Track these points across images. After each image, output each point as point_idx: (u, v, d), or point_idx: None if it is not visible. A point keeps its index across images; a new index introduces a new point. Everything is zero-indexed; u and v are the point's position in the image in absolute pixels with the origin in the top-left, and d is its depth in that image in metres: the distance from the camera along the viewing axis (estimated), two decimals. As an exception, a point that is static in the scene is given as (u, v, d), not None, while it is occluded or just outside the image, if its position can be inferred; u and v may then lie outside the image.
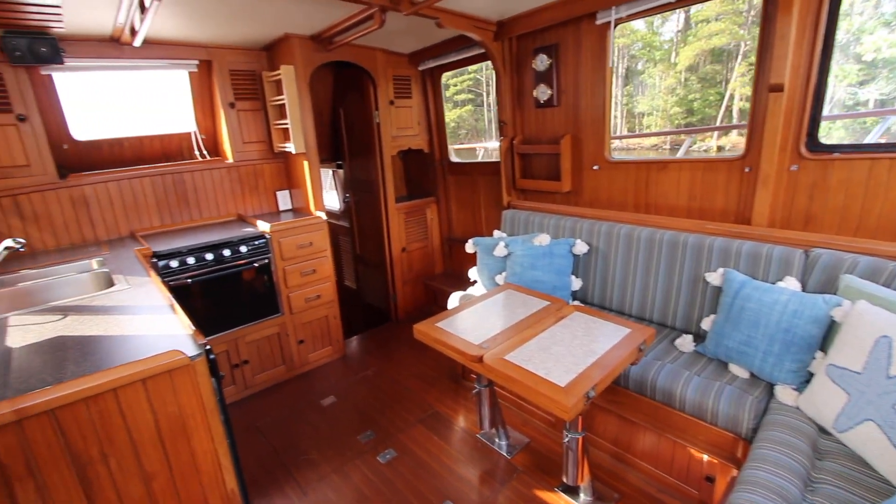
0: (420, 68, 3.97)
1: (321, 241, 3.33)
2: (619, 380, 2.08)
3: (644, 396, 2.02)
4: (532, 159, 3.37)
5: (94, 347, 1.41)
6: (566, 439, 1.83)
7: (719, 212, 2.50)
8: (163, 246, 2.75)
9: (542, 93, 3.12)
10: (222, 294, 2.93)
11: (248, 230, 3.08)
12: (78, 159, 3.04)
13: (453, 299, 3.06)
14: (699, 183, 2.55)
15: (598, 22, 2.68)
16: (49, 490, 1.16)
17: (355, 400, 3.05)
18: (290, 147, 3.29)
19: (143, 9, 2.24)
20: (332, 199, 5.13)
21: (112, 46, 2.83)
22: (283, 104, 3.24)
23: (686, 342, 2.17)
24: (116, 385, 1.21)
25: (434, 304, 4.39)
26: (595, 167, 2.99)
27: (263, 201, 3.70)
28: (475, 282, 3.29)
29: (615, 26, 2.64)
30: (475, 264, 3.23)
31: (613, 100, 2.95)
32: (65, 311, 1.74)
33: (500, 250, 2.89)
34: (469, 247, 3.13)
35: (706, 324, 2.17)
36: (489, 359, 1.71)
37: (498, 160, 3.58)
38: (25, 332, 1.56)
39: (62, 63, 2.58)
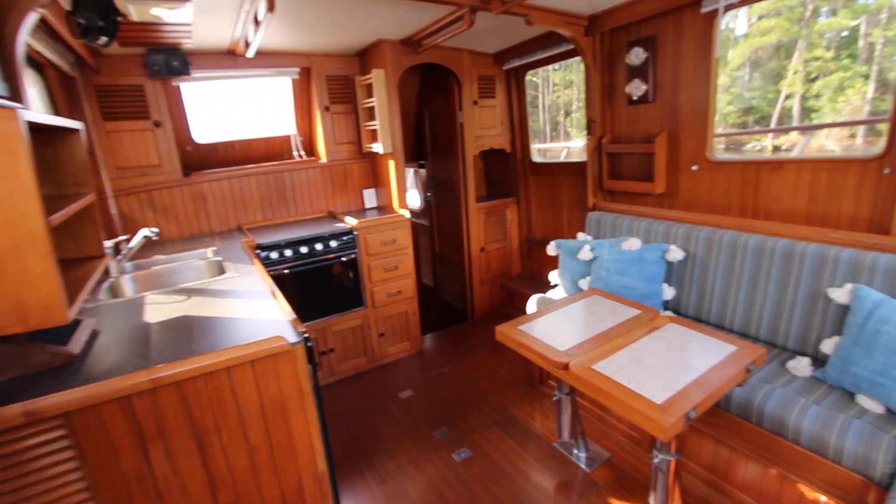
0: (504, 68, 3.94)
1: (404, 238, 3.44)
2: (720, 401, 1.90)
3: (748, 422, 1.83)
4: (621, 159, 3.19)
5: (211, 327, 1.58)
6: (656, 460, 1.70)
7: (847, 219, 2.18)
8: (264, 238, 3.01)
9: (636, 88, 2.94)
10: (313, 285, 3.14)
11: (338, 226, 3.27)
12: (198, 160, 3.43)
13: (532, 302, 2.99)
14: (822, 185, 2.25)
15: (704, 10, 2.46)
16: (174, 452, 1.32)
17: (431, 396, 3.11)
18: (378, 147, 3.43)
19: (256, 23, 2.46)
20: (413, 198, 5.28)
21: (228, 58, 3.15)
22: (373, 106, 3.39)
23: (802, 365, 1.92)
24: (229, 364, 1.34)
25: (510, 306, 4.34)
26: (694, 167, 2.75)
27: (351, 199, 3.90)
28: (556, 285, 3.20)
29: (724, 12, 2.41)
30: (555, 267, 3.13)
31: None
32: (188, 293, 1.97)
33: (585, 254, 2.77)
34: (551, 249, 3.05)
35: (827, 346, 1.91)
36: (576, 367, 1.64)
37: (582, 160, 3.44)
38: (158, 309, 1.79)
39: (189, 74, 2.93)
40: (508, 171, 4.32)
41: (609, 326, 2.00)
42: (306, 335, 1.50)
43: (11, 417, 1.10)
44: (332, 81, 3.56)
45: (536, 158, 4.16)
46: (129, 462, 1.26)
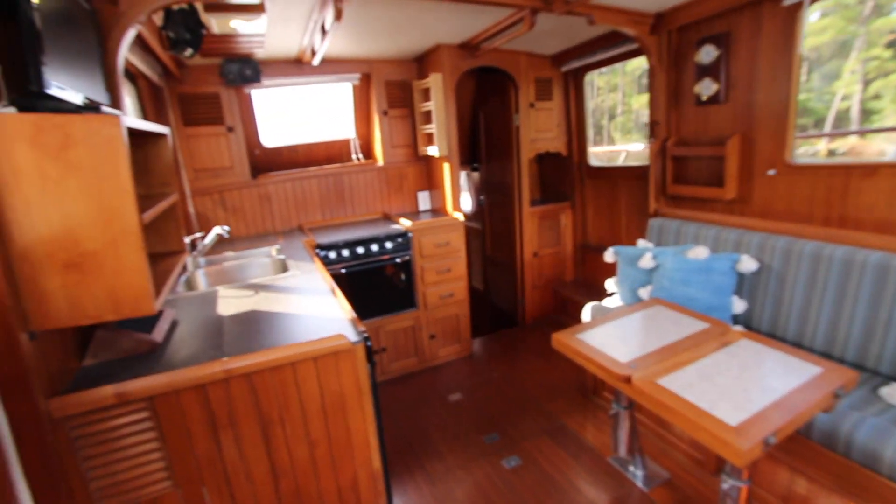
0: (563, 69, 3.85)
1: (457, 241, 3.45)
2: (801, 427, 1.74)
3: (834, 452, 1.66)
4: (687, 163, 3.02)
5: (277, 322, 1.65)
6: (725, 486, 1.59)
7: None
8: (323, 238, 3.12)
9: (706, 88, 2.77)
10: (368, 285, 3.22)
11: (393, 227, 3.33)
12: (265, 162, 3.62)
13: (587, 311, 2.90)
14: (927, 193, 2.01)
15: (787, 2, 2.28)
16: (242, 441, 1.39)
17: (480, 400, 3.09)
18: (434, 150, 3.47)
19: (323, 31, 2.57)
20: (466, 201, 5.28)
21: (295, 66, 3.31)
22: (430, 110, 3.43)
23: (899, 393, 1.72)
24: (294, 360, 1.40)
25: (563, 313, 4.23)
26: (771, 171, 2.55)
27: (406, 201, 3.96)
28: (612, 294, 3.08)
29: (811, 4, 2.22)
30: (612, 274, 3.01)
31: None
32: (256, 288, 2.08)
33: (647, 262, 2.65)
34: (609, 256, 2.94)
35: (932, 373, 1.70)
36: (639, 381, 1.57)
37: (643, 164, 3.29)
38: (229, 303, 1.90)
39: (260, 82, 3.10)
40: (564, 174, 4.22)
41: (674, 339, 1.90)
42: (366, 335, 1.53)
43: (104, 398, 1.20)
44: (390, 86, 3.64)
45: (594, 162, 4.04)
46: (202, 446, 1.34)
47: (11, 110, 1.04)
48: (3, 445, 1.08)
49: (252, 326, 1.63)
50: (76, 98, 1.26)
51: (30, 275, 1.08)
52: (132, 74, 2.53)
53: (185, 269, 2.49)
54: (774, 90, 2.46)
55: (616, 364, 1.71)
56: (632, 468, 2.29)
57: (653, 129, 3.11)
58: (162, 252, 1.81)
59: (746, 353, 1.73)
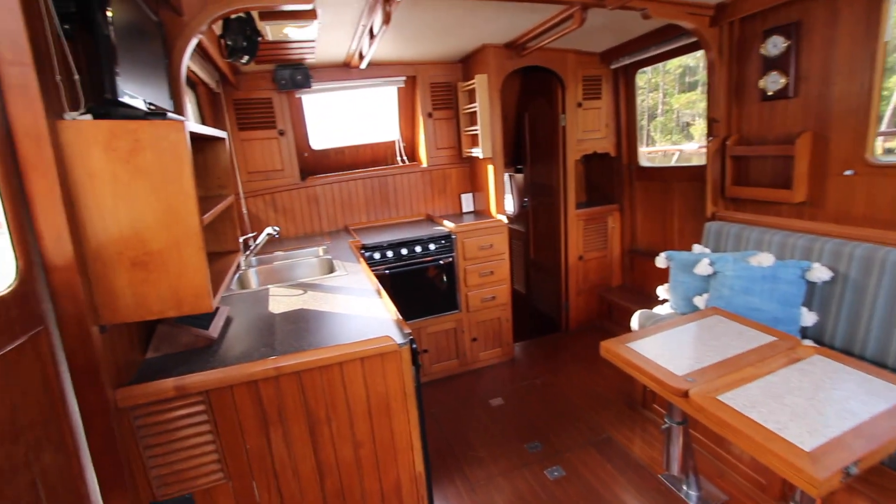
0: (612, 67, 3.72)
1: (501, 243, 3.40)
2: (885, 458, 1.57)
3: (924, 485, 1.49)
4: (749, 163, 2.83)
5: (325, 321, 1.68)
6: (795, 514, 1.46)
7: None
8: (368, 239, 3.17)
9: (773, 82, 2.58)
10: (411, 286, 3.23)
11: (437, 229, 3.33)
12: (313, 164, 3.73)
13: (636, 318, 2.77)
14: None
15: (871, -13, 2.08)
16: (290, 438, 1.42)
17: (522, 406, 3.02)
18: (478, 152, 3.44)
19: (371, 36, 2.60)
20: (508, 203, 5.22)
21: (344, 70, 3.39)
22: (474, 112, 3.40)
23: None
24: (342, 360, 1.41)
25: (608, 319, 4.08)
26: (848, 172, 2.34)
27: (449, 203, 3.96)
28: (664, 301, 2.93)
29: (899, -12, 2.01)
30: (663, 281, 2.86)
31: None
32: (305, 287, 2.13)
33: (703, 268, 2.50)
34: (660, 261, 2.80)
35: None
36: (698, 396, 1.47)
37: (697, 164, 3.12)
38: (280, 301, 1.96)
39: (310, 87, 3.19)
40: (612, 176, 4.08)
41: (736, 353, 1.77)
42: (411, 337, 1.53)
43: (165, 390, 1.26)
44: (435, 88, 3.65)
45: (644, 163, 3.87)
46: (253, 440, 1.38)
47: (88, 117, 1.11)
48: (76, 432, 1.15)
49: (301, 325, 1.67)
50: (143, 105, 1.33)
51: (102, 272, 1.15)
52: (192, 82, 2.66)
53: (238, 267, 2.60)
54: (853, 83, 2.25)
55: (672, 377, 1.61)
56: (685, 488, 2.16)
57: (711, 127, 2.94)
58: (218, 251, 1.88)
59: (820, 372, 1.58)
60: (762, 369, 1.62)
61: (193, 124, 1.31)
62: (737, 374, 1.60)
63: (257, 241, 2.67)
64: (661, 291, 2.88)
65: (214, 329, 1.60)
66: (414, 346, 1.52)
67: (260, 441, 1.39)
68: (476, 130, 3.42)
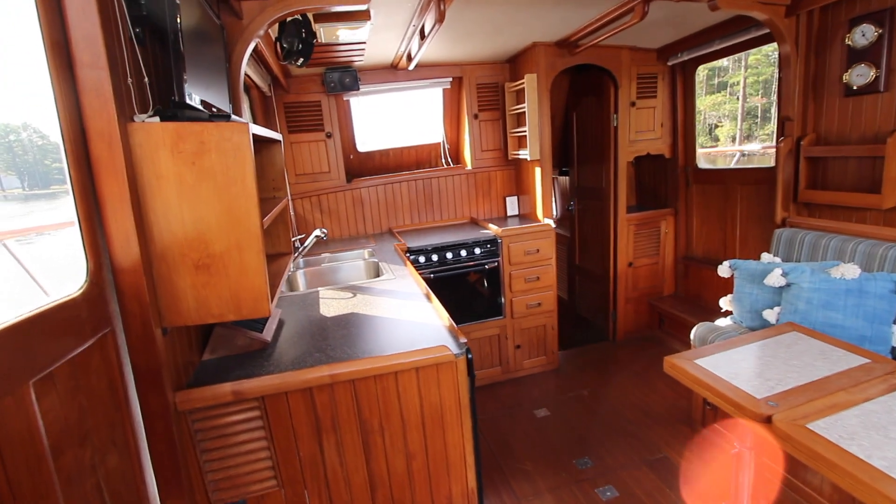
0: (670, 63, 3.53)
1: (547, 248, 3.29)
2: None
3: None
4: (828, 164, 2.59)
5: (377, 327, 1.64)
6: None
7: None
8: (412, 242, 3.13)
9: (859, 76, 2.35)
10: (455, 291, 3.17)
11: (482, 233, 3.25)
12: (358, 167, 3.74)
13: (697, 332, 2.59)
14: None
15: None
16: (344, 445, 1.38)
17: (570, 419, 2.90)
18: (525, 154, 3.34)
19: (422, 36, 2.57)
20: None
21: (391, 72, 3.38)
22: (522, 113, 3.31)
23: None
24: (397, 369, 1.36)
25: (659, 329, 3.88)
26: (948, 176, 2.09)
27: (493, 206, 3.87)
28: (727, 313, 2.73)
29: None
30: (720, 290, 2.68)
31: None
32: (354, 290, 2.11)
33: (775, 279, 2.30)
34: (724, 270, 2.60)
35: None
36: (784, 423, 1.32)
37: (763, 166, 2.90)
38: (330, 305, 1.94)
39: (359, 89, 3.20)
40: (666, 178, 3.87)
41: (822, 375, 1.59)
42: (467, 346, 1.46)
43: (223, 394, 1.25)
44: (481, 89, 3.58)
45: (703, 164, 3.65)
46: (306, 448, 1.35)
47: (155, 120, 1.11)
48: (138, 434, 1.16)
49: (353, 330, 1.63)
50: (204, 108, 1.33)
51: (166, 274, 1.15)
52: (247, 85, 2.71)
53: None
54: (959, 75, 2.01)
55: (750, 400, 1.46)
56: (755, 517, 1.98)
57: (783, 126, 2.72)
58: (272, 254, 1.89)
59: (931, 401, 1.40)
60: (857, 395, 1.44)
61: (256, 126, 1.30)
62: (827, 400, 1.43)
63: (306, 244, 2.69)
64: (725, 303, 2.68)
65: (268, 332, 1.59)
66: (470, 356, 1.45)
67: (313, 449, 1.36)
68: (523, 132, 3.32)
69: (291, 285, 2.55)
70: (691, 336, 2.61)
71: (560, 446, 2.64)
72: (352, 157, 3.69)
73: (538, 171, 3.36)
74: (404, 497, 1.47)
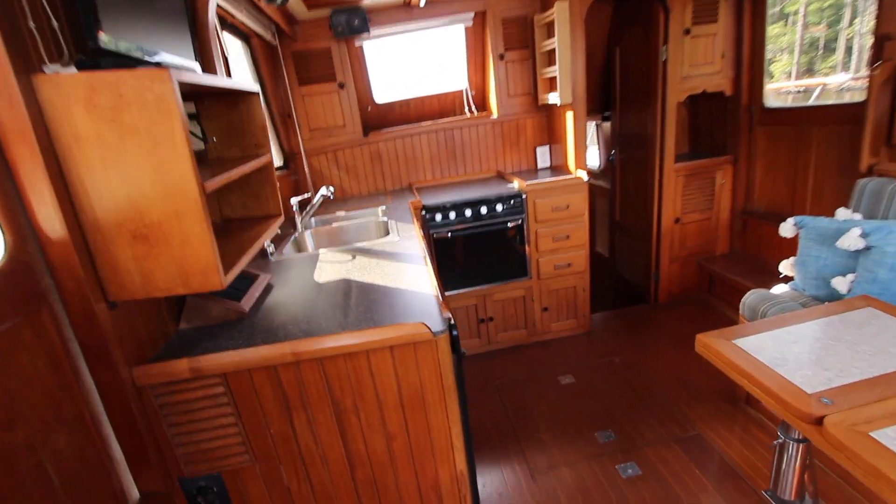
0: (737, -22, 2.93)
1: (579, 204, 2.98)
2: None
3: None
4: (937, 96, 2.06)
5: (365, 296, 1.50)
6: None
7: None
8: (431, 199, 2.93)
9: None
10: (476, 250, 2.98)
11: (506, 188, 2.99)
12: (377, 119, 3.52)
13: (748, 301, 2.25)
14: None
15: None
16: (316, 423, 1.29)
17: (596, 387, 2.71)
18: (555, 98, 2.97)
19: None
20: (593, 156, 4.64)
21: (404, 10, 3.05)
22: (552, 50, 2.90)
23: None
24: (368, 347, 1.23)
25: (707, 292, 3.50)
26: None
27: (522, 158, 3.56)
28: (787, 279, 2.35)
29: None
30: (784, 250, 2.29)
31: None
32: (355, 252, 1.99)
33: (852, 240, 1.90)
34: (787, 229, 2.21)
35: None
36: (839, 427, 1.06)
37: (850, 102, 2.37)
38: (326, 269, 1.84)
39: (369, 32, 2.92)
40: (725, 121, 3.34)
41: (898, 364, 1.28)
42: (452, 322, 1.29)
43: (180, 371, 1.18)
44: (507, 25, 3.18)
45: (772, 103, 3.09)
46: (276, 426, 1.28)
47: (72, 70, 0.97)
48: (95, 410, 1.11)
49: (337, 299, 1.51)
50: (150, 57, 1.18)
51: (102, 245, 1.05)
52: (246, 34, 2.54)
53: (294, 229, 2.54)
54: None
55: (798, 395, 1.19)
56: (798, 511, 1.74)
57: (880, 47, 2.17)
58: (260, 216, 1.78)
59: None
60: (943, 395, 1.14)
61: (194, 74, 1.13)
62: (899, 399, 1.14)
63: (312, 202, 2.57)
64: (785, 267, 2.31)
65: (248, 300, 1.51)
66: (454, 332, 1.29)
67: (284, 426, 1.28)
68: (554, 72, 2.93)
69: (299, 246, 2.47)
70: (741, 305, 2.29)
71: (582, 417, 2.48)
72: (369, 108, 3.47)
73: (570, 116, 2.99)
74: (386, 476, 1.38)
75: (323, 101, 3.19)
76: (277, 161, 3.17)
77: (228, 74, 2.28)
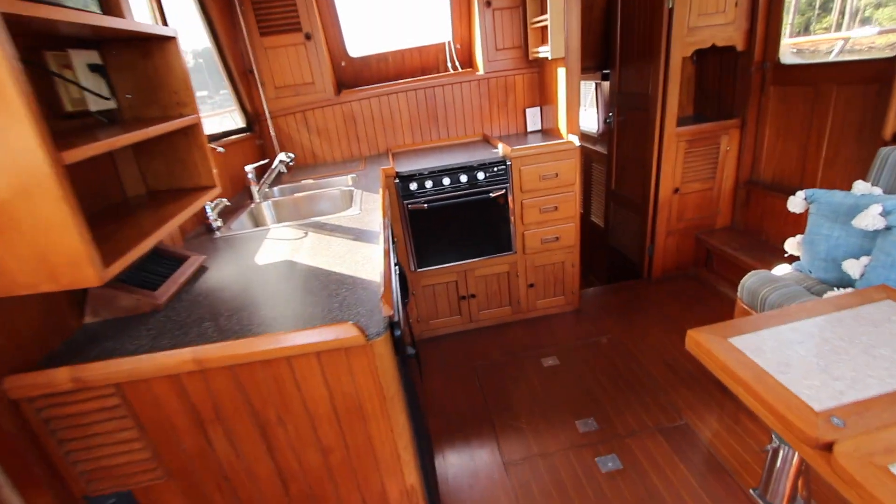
0: (759, -90, 2.54)
1: (569, 172, 2.71)
2: None
3: None
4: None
5: (302, 284, 1.29)
6: None
7: None
8: (407, 166, 2.67)
9: None
10: (457, 223, 2.74)
11: (490, 153, 2.72)
12: (353, 76, 3.20)
13: (747, 284, 2.04)
14: None
15: None
16: (235, 436, 1.12)
17: (581, 370, 2.55)
18: (547, 51, 2.65)
19: None
20: (591, 119, 4.32)
21: (377, -53, 2.68)
22: (545, -6, 2.56)
23: None
24: (289, 354, 1.03)
25: (705, 268, 3.30)
26: None
27: (511, 120, 3.26)
28: (791, 258, 2.14)
29: None
30: (791, 225, 2.07)
31: None
32: (308, 228, 1.77)
33: (871, 219, 1.67)
34: (796, 204, 1.98)
35: None
36: (850, 459, 0.87)
37: (878, 57, 2.07)
38: (270, 248, 1.62)
39: (334, -28, 2.57)
40: (735, 79, 3.02)
41: (922, 372, 1.08)
42: (394, 321, 1.09)
43: (60, 382, 0.98)
44: (496, -35, 2.81)
45: (788, 59, 2.77)
46: (189, 440, 1.10)
47: None
48: (-47, 429, 0.92)
49: (269, 288, 1.30)
50: None
51: (-67, 233, 0.83)
52: (187, -28, 2.20)
53: (251, 200, 2.30)
54: None
55: (804, 412, 1.00)
56: (788, 515, 1.60)
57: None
58: (189, 188, 1.54)
59: None
60: (978, 416, 0.94)
61: (28, 4, 0.86)
62: (925, 420, 0.95)
63: (271, 168, 2.32)
64: (791, 246, 2.08)
65: (164, 292, 1.29)
66: (396, 333, 1.08)
67: (198, 440, 1.10)
68: (545, 20, 2.59)
69: (256, 220, 2.24)
70: (740, 288, 2.08)
71: (564, 403, 2.33)
72: (343, 64, 3.14)
73: (562, 72, 2.68)
74: (325, 490, 1.22)
75: (288, 54, 2.86)
76: (240, 123, 2.89)
77: (164, 23, 1.98)
